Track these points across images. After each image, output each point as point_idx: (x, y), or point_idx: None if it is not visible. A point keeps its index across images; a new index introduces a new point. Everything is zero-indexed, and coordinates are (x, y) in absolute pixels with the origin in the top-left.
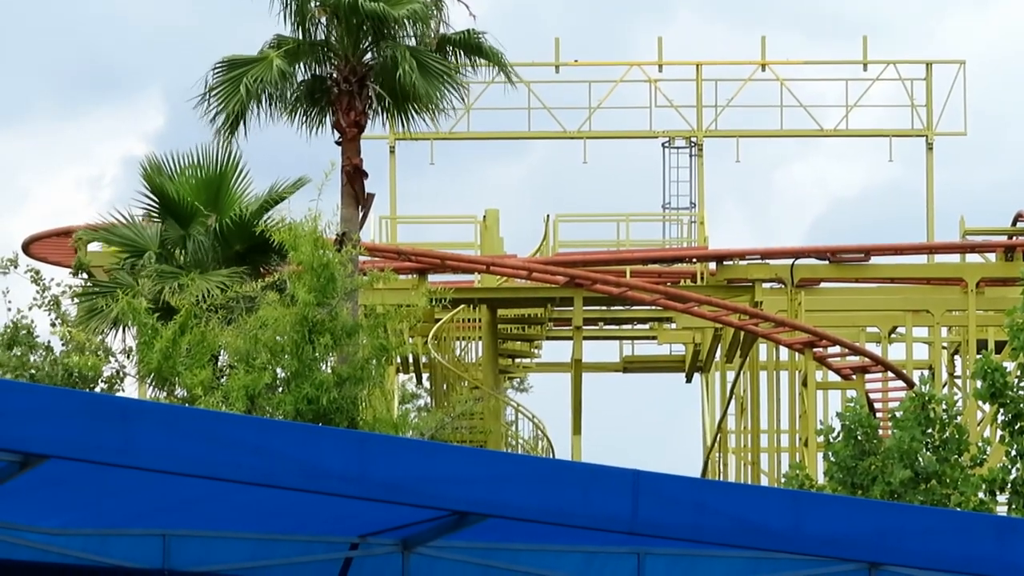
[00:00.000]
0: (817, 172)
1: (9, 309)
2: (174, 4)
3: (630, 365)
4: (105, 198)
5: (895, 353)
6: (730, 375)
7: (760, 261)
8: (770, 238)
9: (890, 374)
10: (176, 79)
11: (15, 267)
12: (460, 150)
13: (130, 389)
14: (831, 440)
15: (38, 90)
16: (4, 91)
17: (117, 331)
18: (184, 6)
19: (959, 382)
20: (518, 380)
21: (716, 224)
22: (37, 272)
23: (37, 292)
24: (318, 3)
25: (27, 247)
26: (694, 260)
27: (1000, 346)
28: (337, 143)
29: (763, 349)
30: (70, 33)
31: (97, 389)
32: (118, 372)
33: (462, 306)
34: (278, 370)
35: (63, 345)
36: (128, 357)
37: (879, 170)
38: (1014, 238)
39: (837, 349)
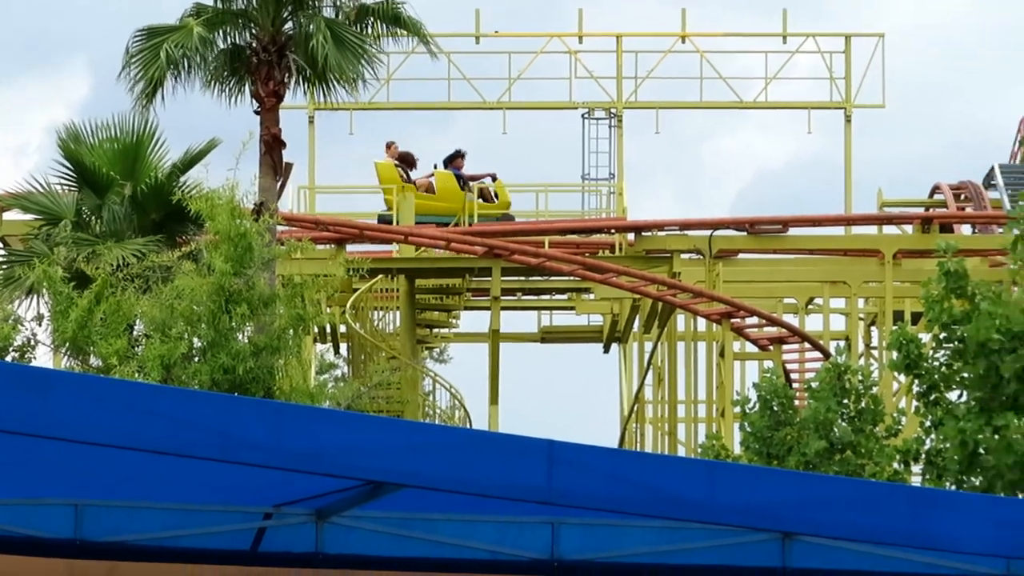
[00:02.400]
0: (742, 144)
1: None
2: None
3: (548, 335)
4: (30, 166)
5: (812, 324)
6: (648, 345)
7: (678, 232)
8: (695, 210)
9: (807, 345)
10: (102, 48)
11: None
12: (380, 120)
13: (42, 358)
14: (747, 411)
15: None
16: None
17: (32, 300)
18: None
19: (875, 353)
20: (438, 350)
21: (642, 196)
22: None
23: None
24: None
25: None
26: (613, 231)
27: (916, 318)
28: (256, 113)
29: (681, 320)
30: None
31: (8, 358)
32: (29, 340)
33: (380, 276)
34: (194, 340)
35: None
36: (39, 324)
37: (801, 143)
38: (931, 210)
39: (754, 320)
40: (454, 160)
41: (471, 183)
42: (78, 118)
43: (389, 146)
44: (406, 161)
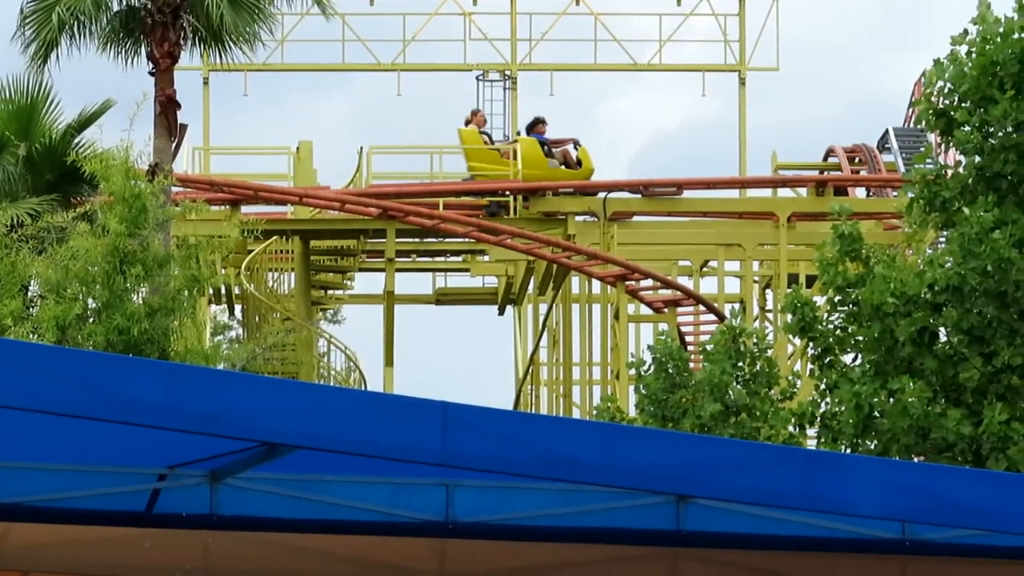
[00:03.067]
0: (637, 107)
1: None
2: None
3: (443, 297)
4: None
5: (707, 287)
6: (542, 308)
7: (573, 194)
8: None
9: (701, 308)
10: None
11: None
12: (275, 82)
13: None
14: (642, 373)
15: None
16: None
17: None
18: None
19: (770, 316)
20: (332, 312)
21: None
22: None
23: None
24: None
25: None
26: (507, 192)
27: (811, 280)
28: (151, 74)
29: (576, 282)
30: None
31: None
32: None
33: (275, 237)
34: (89, 301)
35: None
36: None
37: (695, 105)
38: (825, 173)
39: (649, 282)
40: (535, 126)
41: (554, 149)
42: None
43: (475, 113)
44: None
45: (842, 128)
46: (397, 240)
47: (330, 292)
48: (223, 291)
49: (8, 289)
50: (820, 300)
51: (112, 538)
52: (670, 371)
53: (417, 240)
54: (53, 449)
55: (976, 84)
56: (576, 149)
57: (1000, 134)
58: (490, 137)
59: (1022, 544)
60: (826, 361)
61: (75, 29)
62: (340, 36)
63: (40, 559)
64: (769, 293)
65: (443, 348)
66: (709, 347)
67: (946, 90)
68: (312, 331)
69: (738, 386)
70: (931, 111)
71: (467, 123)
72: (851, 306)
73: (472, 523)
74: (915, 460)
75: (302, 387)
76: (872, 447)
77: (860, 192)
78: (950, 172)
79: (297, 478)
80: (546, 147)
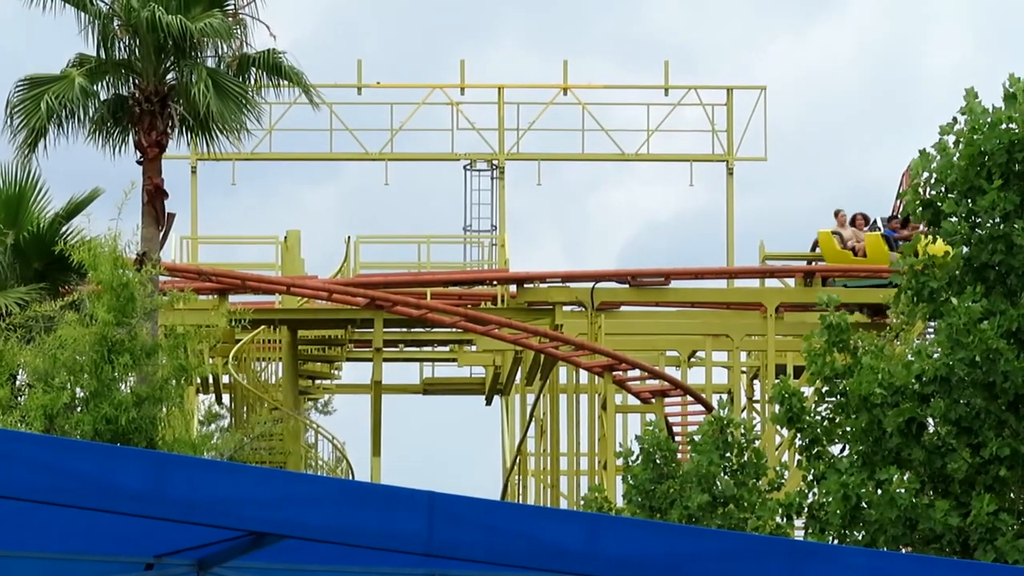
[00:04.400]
0: (626, 197)
1: None
2: None
3: (430, 387)
4: None
5: (695, 377)
6: (530, 398)
7: (561, 284)
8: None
9: (689, 398)
10: None
11: None
12: (263, 171)
13: None
14: (630, 463)
15: None
16: None
17: None
18: (7, 27)
19: (758, 407)
20: (322, 402)
21: (525, 248)
22: None
23: None
24: (120, 23)
25: None
26: (495, 282)
27: (798, 371)
28: (139, 163)
29: (563, 372)
30: None
31: None
32: None
33: (262, 327)
34: (77, 389)
35: None
36: None
37: (684, 195)
38: (813, 264)
39: (637, 373)
40: (856, 221)
41: (899, 242)
42: None
43: (836, 214)
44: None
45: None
46: (385, 330)
47: (318, 381)
48: (211, 380)
49: None
50: (808, 391)
51: None
52: (658, 462)
53: (405, 330)
54: (40, 538)
55: (964, 174)
56: None
57: (988, 224)
58: (841, 236)
59: None
60: (814, 452)
61: (63, 117)
62: (328, 125)
63: None
64: (757, 384)
65: (430, 438)
66: (697, 438)
67: (933, 180)
68: (300, 420)
69: (726, 477)
70: (918, 202)
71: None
72: (839, 397)
73: None
74: (903, 551)
75: (290, 476)
76: (860, 538)
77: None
78: (936, 263)
79: (285, 567)
80: (890, 242)
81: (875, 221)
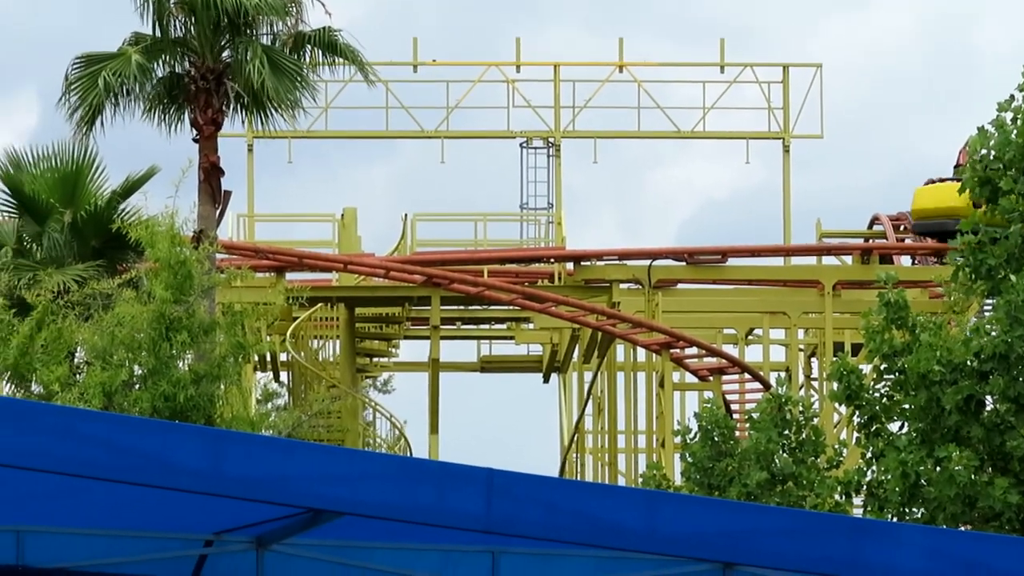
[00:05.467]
0: (683, 174)
1: None
2: (53, 3)
3: (488, 365)
4: None
5: (752, 355)
6: (587, 375)
7: (618, 262)
8: (638, 239)
9: (747, 375)
10: (51, 77)
11: None
12: (320, 149)
13: None
14: (688, 441)
15: None
16: None
17: None
18: (63, 5)
19: (815, 384)
20: (381, 380)
21: (581, 226)
22: None
23: None
24: (176, 1)
25: None
26: (552, 260)
27: (856, 349)
28: (195, 141)
29: (620, 350)
30: None
31: None
32: None
33: (320, 304)
34: (135, 367)
35: None
36: None
37: (740, 172)
38: (870, 241)
39: (694, 350)
40: None
41: None
42: (26, 146)
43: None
44: None
45: (886, 195)
46: (442, 307)
47: (375, 359)
48: (268, 358)
49: (55, 355)
50: (866, 368)
51: None
52: (716, 439)
53: (462, 307)
54: (99, 515)
55: (1021, 151)
56: None
57: None
58: None
59: None
60: (872, 429)
61: (120, 95)
62: (384, 103)
63: None
64: (814, 361)
65: (488, 416)
66: (755, 415)
67: (991, 157)
68: (357, 398)
69: (784, 454)
70: (976, 179)
71: None
72: (897, 374)
73: None
74: (962, 529)
75: (348, 453)
76: (919, 516)
77: (906, 260)
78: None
79: (342, 544)
80: None
81: None
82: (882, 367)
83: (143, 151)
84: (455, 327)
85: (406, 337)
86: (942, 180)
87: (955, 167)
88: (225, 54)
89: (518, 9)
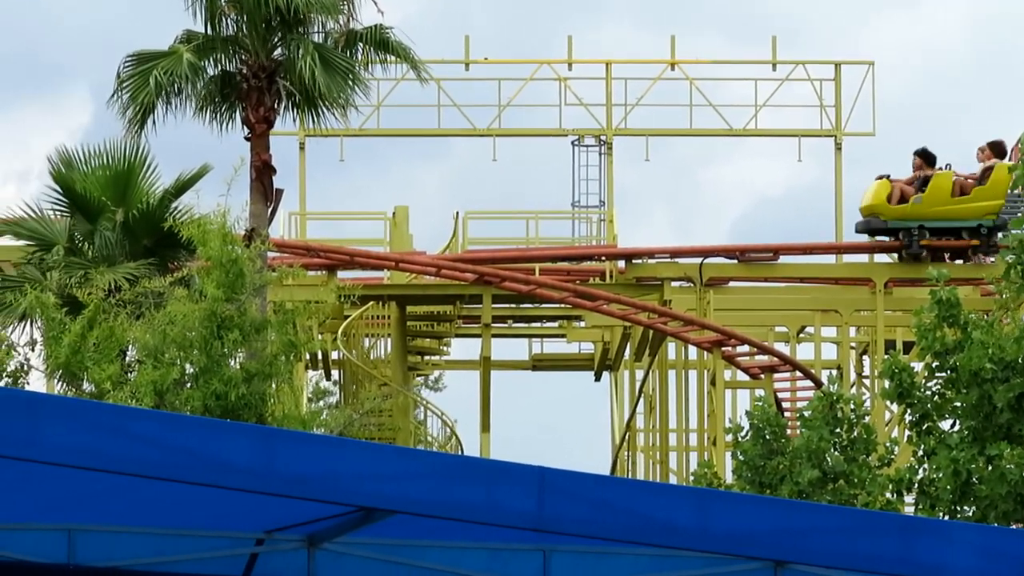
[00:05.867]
0: (734, 172)
1: None
2: (105, 2)
3: (539, 363)
4: (32, 192)
5: (803, 353)
6: (639, 373)
7: (669, 260)
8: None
9: (798, 373)
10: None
11: None
12: (372, 147)
13: (35, 384)
14: (739, 439)
15: None
16: None
17: (24, 325)
18: (115, 4)
19: (867, 382)
20: (432, 378)
21: (633, 224)
22: None
23: None
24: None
25: None
26: (603, 258)
27: (908, 346)
28: (247, 139)
29: (672, 348)
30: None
31: (0, 384)
32: (22, 366)
33: (371, 303)
34: (186, 365)
35: None
36: (32, 350)
37: (791, 170)
38: None
39: (745, 348)
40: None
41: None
42: (78, 145)
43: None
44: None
45: None
46: (493, 305)
47: (426, 357)
48: (320, 356)
49: (106, 354)
50: (918, 366)
51: None
52: (767, 437)
53: (513, 305)
54: (151, 513)
55: None
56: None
57: None
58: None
59: None
60: (924, 427)
61: (171, 93)
62: (436, 101)
63: None
64: (866, 359)
65: (539, 414)
66: (806, 413)
67: None
68: (409, 397)
69: (836, 452)
70: None
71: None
72: (949, 372)
73: None
74: (1014, 527)
75: (399, 452)
76: (970, 513)
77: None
78: None
79: (393, 543)
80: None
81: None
82: (934, 365)
83: (195, 149)
84: (506, 325)
85: (457, 335)
86: (879, 177)
87: (1008, 165)
88: (277, 52)
89: (570, 7)
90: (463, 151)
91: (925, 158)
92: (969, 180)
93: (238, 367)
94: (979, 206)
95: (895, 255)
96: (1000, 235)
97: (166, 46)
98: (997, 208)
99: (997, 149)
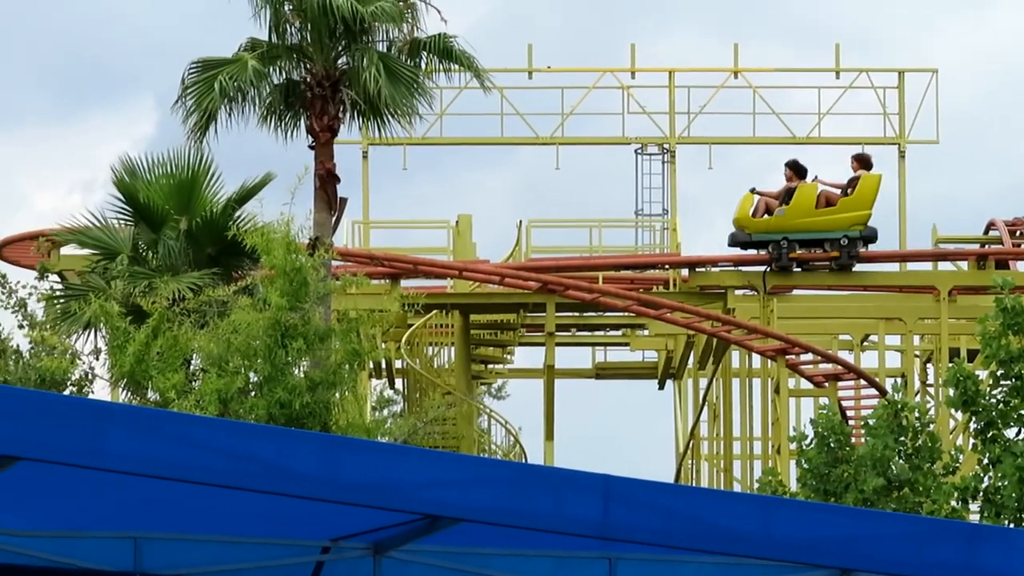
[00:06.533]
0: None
1: None
2: (171, 10)
3: (603, 371)
4: (96, 202)
5: (867, 361)
6: (703, 382)
7: (733, 268)
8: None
9: (862, 382)
10: (169, 84)
11: None
12: (434, 155)
13: (100, 392)
14: (804, 447)
15: (34, 94)
16: (0, 95)
17: (89, 334)
18: (181, 13)
19: (931, 390)
20: (496, 386)
21: (696, 232)
22: (3, 275)
23: (2, 295)
24: (291, 7)
25: (0, 250)
26: (667, 266)
27: (972, 354)
28: (311, 147)
29: (735, 356)
30: (66, 37)
31: (67, 392)
32: (87, 374)
33: (435, 311)
34: (251, 374)
35: (30, 347)
36: (97, 359)
37: None
38: (986, 246)
39: (809, 357)
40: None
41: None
42: (143, 154)
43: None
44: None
45: (1003, 201)
46: (557, 314)
47: (490, 366)
48: (383, 365)
49: (171, 363)
50: (982, 374)
51: None
52: (832, 445)
53: (577, 314)
54: (216, 521)
55: None
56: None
57: None
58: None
59: None
60: (989, 435)
61: (235, 101)
62: (499, 110)
63: None
64: (930, 367)
65: (603, 422)
66: (871, 422)
67: None
68: (473, 405)
69: (900, 460)
70: None
71: None
72: (1014, 380)
73: None
74: None
75: (464, 460)
76: None
77: (1022, 265)
78: None
79: (458, 551)
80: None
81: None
82: (998, 372)
83: (258, 158)
84: (570, 333)
85: (521, 343)
86: (751, 191)
87: None
88: (341, 61)
89: (633, 15)
90: (526, 159)
91: (795, 170)
92: (836, 191)
93: (302, 376)
94: (844, 217)
95: (961, 263)
96: (868, 246)
97: (231, 55)
98: (864, 219)
99: (863, 160)
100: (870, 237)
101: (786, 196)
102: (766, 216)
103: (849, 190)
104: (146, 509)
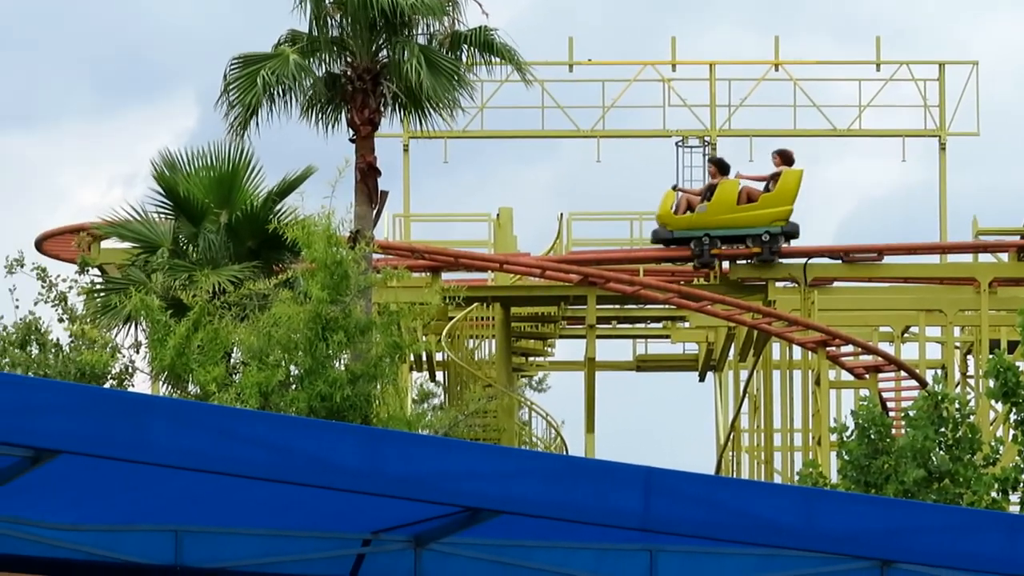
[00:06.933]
0: (841, 172)
1: (17, 307)
2: (211, 4)
3: (643, 364)
4: (137, 196)
5: (908, 352)
6: (743, 374)
7: (774, 262)
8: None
9: (903, 373)
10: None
11: (21, 267)
12: (475, 148)
13: (140, 386)
14: (844, 439)
15: (76, 89)
16: (42, 90)
17: (129, 327)
18: (220, 6)
19: (972, 382)
20: (537, 379)
21: None
22: (43, 269)
23: (43, 289)
24: (332, 0)
25: (40, 244)
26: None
27: (1013, 346)
28: (352, 141)
29: (776, 348)
30: (107, 33)
31: (107, 385)
32: (127, 368)
33: (475, 304)
34: (291, 367)
35: (70, 341)
36: (137, 352)
37: (895, 170)
38: None
39: (850, 348)
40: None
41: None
42: (184, 148)
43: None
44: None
45: None
46: (598, 306)
47: (531, 359)
48: (424, 358)
49: (211, 356)
50: (1023, 365)
51: None
52: (872, 437)
53: (617, 306)
54: (257, 514)
55: None
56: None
57: None
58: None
59: None
60: None
61: (277, 95)
62: (540, 103)
63: None
64: (970, 359)
65: (644, 415)
66: (911, 413)
67: None
68: (513, 398)
69: (941, 452)
70: None
71: None
72: None
73: None
74: None
75: (505, 452)
76: None
77: None
78: None
79: (499, 543)
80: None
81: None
82: None
83: (299, 151)
84: (611, 326)
85: (562, 336)
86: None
87: None
88: (382, 54)
89: (674, 8)
90: (567, 152)
91: (719, 166)
92: (757, 187)
93: (343, 369)
94: (766, 213)
95: (1001, 255)
96: (790, 242)
97: (271, 48)
98: (786, 214)
99: (785, 156)
100: (792, 233)
101: (707, 192)
102: (688, 213)
103: (771, 186)
104: (187, 502)
